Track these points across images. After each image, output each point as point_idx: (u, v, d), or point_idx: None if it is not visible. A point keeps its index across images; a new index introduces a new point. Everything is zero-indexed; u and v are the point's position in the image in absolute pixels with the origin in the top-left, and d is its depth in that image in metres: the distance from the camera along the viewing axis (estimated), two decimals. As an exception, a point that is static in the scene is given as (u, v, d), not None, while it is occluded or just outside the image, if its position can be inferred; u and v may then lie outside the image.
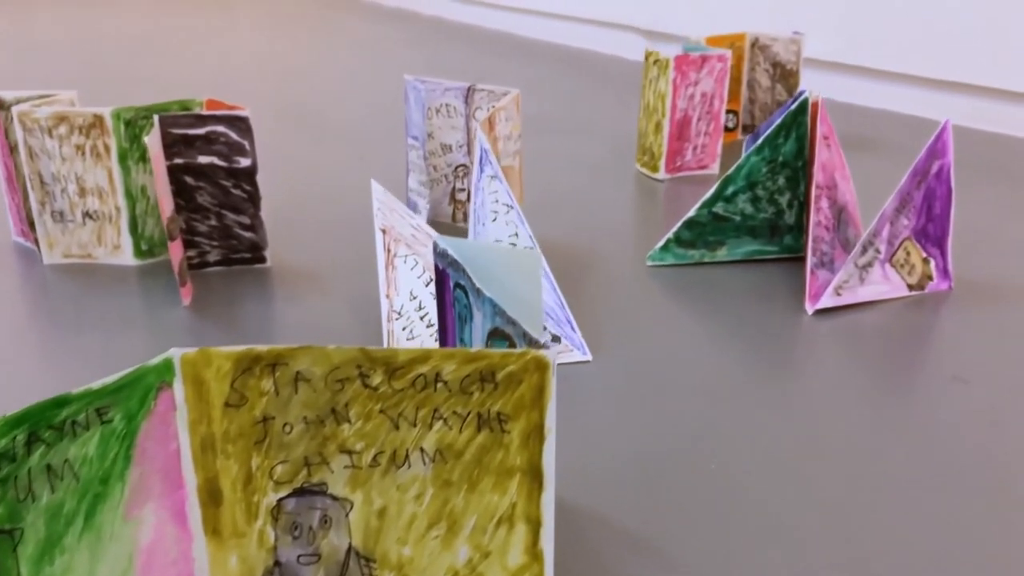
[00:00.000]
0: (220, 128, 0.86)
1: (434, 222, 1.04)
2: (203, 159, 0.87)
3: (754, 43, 1.38)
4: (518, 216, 0.77)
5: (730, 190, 0.91)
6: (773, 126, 0.90)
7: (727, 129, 1.43)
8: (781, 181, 0.92)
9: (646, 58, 1.21)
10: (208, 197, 0.89)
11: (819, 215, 0.85)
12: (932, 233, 0.86)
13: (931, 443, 0.64)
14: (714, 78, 1.20)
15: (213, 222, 0.90)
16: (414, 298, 0.71)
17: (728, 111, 1.42)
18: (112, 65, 2.04)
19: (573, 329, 0.75)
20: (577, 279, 0.91)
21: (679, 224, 0.93)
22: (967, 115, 1.57)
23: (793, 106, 0.89)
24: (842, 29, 1.73)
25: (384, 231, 0.73)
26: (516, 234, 0.78)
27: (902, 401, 0.69)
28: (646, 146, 1.25)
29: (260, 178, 0.89)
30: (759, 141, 0.90)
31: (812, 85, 1.82)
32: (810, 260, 0.84)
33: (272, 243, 0.93)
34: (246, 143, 0.87)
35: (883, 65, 1.68)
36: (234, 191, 0.89)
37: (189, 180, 0.88)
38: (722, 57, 1.19)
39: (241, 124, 0.87)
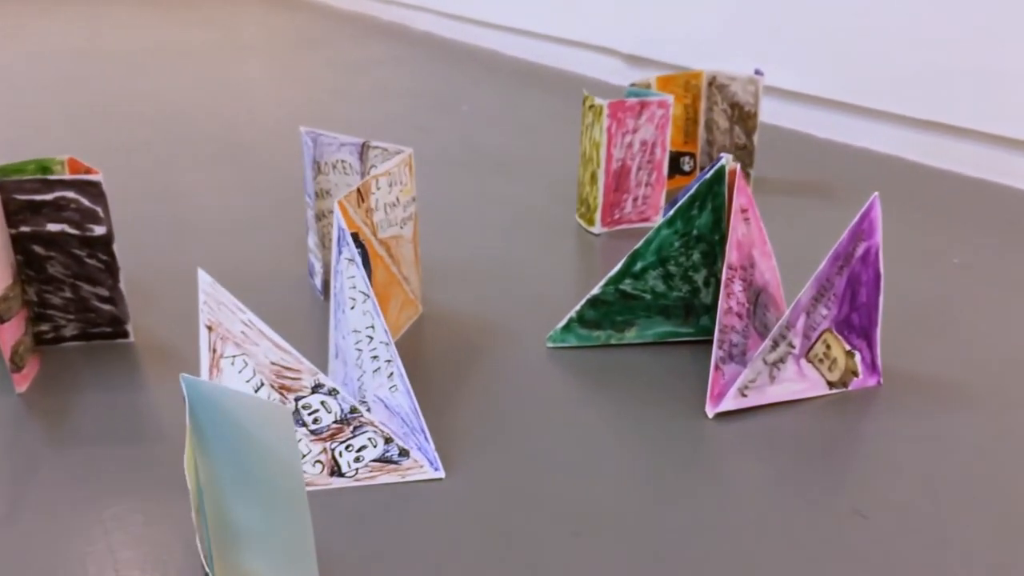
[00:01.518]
0: (70, 194, 0.78)
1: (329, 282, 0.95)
2: (53, 227, 0.79)
3: (711, 82, 1.28)
4: (374, 307, 0.68)
5: (639, 266, 0.82)
6: (687, 196, 0.80)
7: (684, 172, 1.33)
8: (696, 257, 0.82)
9: (583, 102, 1.12)
10: (60, 267, 0.81)
11: (730, 300, 0.76)
12: (857, 323, 0.76)
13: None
14: (655, 125, 1.11)
15: (68, 294, 0.82)
16: (237, 406, 0.63)
17: (685, 153, 1.33)
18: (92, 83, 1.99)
19: (427, 439, 0.66)
20: (468, 364, 0.82)
21: (583, 302, 0.83)
22: (957, 159, 1.46)
23: (708, 175, 0.79)
24: (829, 60, 1.63)
25: (210, 328, 0.65)
26: (372, 327, 0.69)
27: (790, 538, 0.60)
28: (583, 197, 1.15)
29: (123, 243, 0.81)
30: (671, 212, 0.81)
31: (791, 119, 1.72)
32: (715, 354, 0.74)
33: (145, 314, 0.85)
34: (99, 209, 0.79)
35: (870, 102, 1.57)
36: (89, 261, 0.81)
37: (39, 249, 0.80)
38: (663, 103, 1.10)
39: (93, 189, 0.79)
